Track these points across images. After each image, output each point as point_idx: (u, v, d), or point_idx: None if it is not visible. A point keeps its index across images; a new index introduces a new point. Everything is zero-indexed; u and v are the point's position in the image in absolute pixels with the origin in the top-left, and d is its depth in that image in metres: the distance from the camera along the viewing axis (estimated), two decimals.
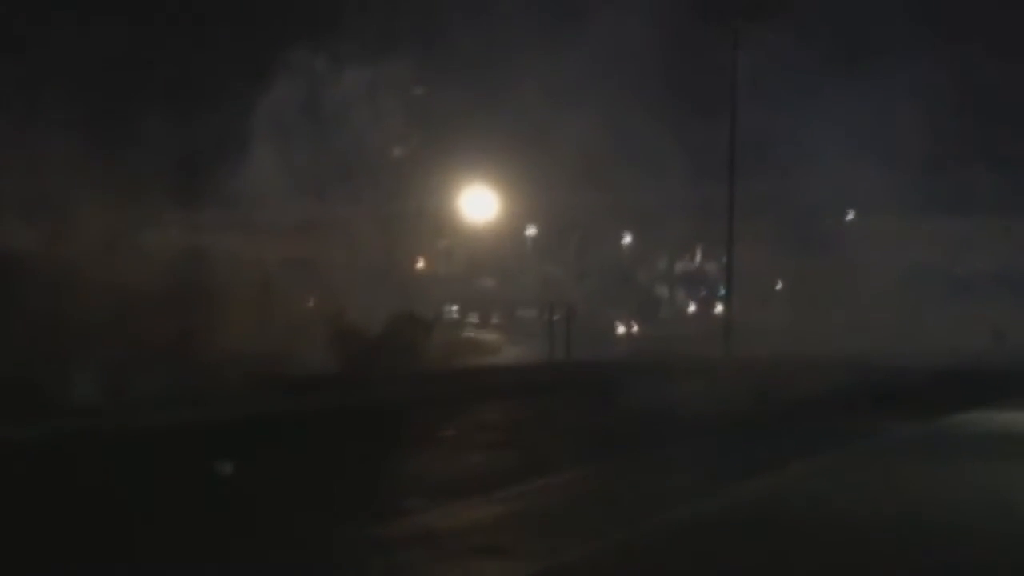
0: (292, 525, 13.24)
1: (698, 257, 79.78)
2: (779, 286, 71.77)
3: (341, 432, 22.49)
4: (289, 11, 40.04)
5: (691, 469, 17.67)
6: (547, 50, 40.73)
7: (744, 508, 14.35)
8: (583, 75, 41.15)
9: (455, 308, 56.38)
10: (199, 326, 28.83)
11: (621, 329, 62.14)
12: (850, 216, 68.01)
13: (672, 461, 18.73)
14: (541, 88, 40.76)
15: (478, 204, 48.71)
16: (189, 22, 38.64)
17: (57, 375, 23.77)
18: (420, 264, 50.58)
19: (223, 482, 16.03)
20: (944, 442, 20.84)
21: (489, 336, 49.71)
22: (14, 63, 33.32)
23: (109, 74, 35.24)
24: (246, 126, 39.10)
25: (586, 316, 48.92)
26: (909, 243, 64.97)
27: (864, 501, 14.80)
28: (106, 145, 32.60)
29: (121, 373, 24.38)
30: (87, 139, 31.47)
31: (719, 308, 55.48)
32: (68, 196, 30.28)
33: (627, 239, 74.02)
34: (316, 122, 38.51)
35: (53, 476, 16.71)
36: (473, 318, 60.13)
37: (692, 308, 76.29)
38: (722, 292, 57.21)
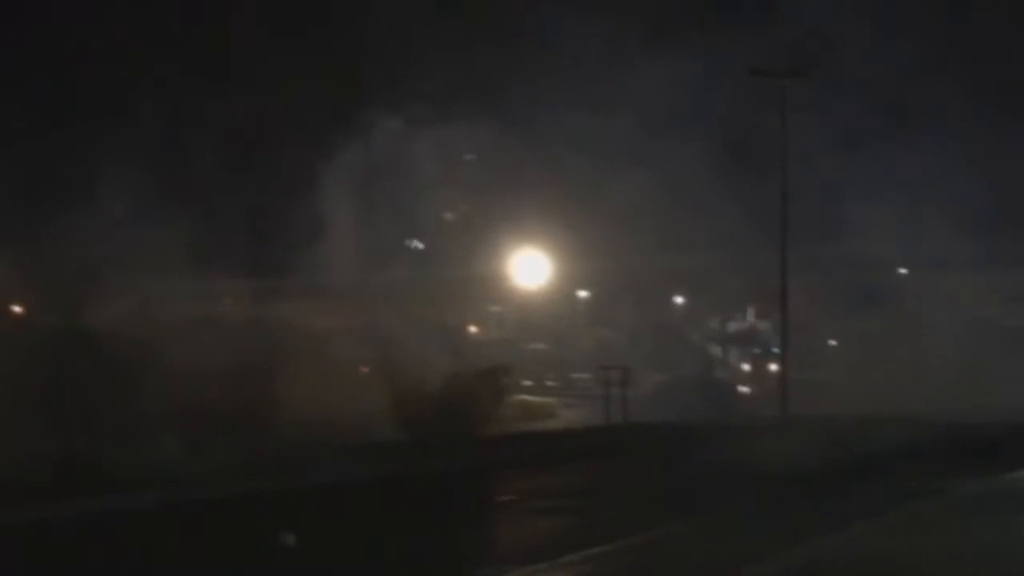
0: None
1: (750, 316, 79.60)
2: (832, 343, 71.53)
3: (409, 500, 22.55)
4: (342, 79, 40.34)
5: (753, 532, 17.63)
6: (597, 114, 40.89)
7: (808, 571, 14.31)
8: (634, 139, 41.28)
9: None
10: (266, 396, 29.02)
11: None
12: (903, 271, 67.74)
13: (733, 524, 18.69)
14: (592, 152, 40.93)
15: (530, 268, 48.78)
16: (240, 86, 38.87)
17: (135, 449, 24.01)
18: (472, 329, 50.67)
19: (297, 551, 16.13)
20: (1010, 498, 20.67)
21: (544, 399, 49.66)
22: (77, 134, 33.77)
23: (157, 143, 35.55)
24: (300, 195, 39.36)
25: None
26: (963, 298, 64.60)
27: (930, 560, 14.72)
28: (164, 218, 32.93)
29: (196, 444, 24.61)
30: (149, 211, 31.84)
31: (773, 367, 55.16)
32: (131, 269, 30.63)
33: (679, 300, 74.03)
34: (369, 189, 38.75)
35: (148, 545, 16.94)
36: (526, 382, 60.05)
37: (746, 367, 76.00)
38: (775, 350, 57.01)
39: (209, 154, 35.88)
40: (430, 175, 40.20)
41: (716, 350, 79.17)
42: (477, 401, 37.04)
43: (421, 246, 42.56)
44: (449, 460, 28.73)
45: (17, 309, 35.44)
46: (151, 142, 34.38)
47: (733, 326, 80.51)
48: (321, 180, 39.24)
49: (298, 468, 25.42)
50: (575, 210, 43.27)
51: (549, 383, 56.98)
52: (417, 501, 22.30)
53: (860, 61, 45.26)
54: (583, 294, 64.48)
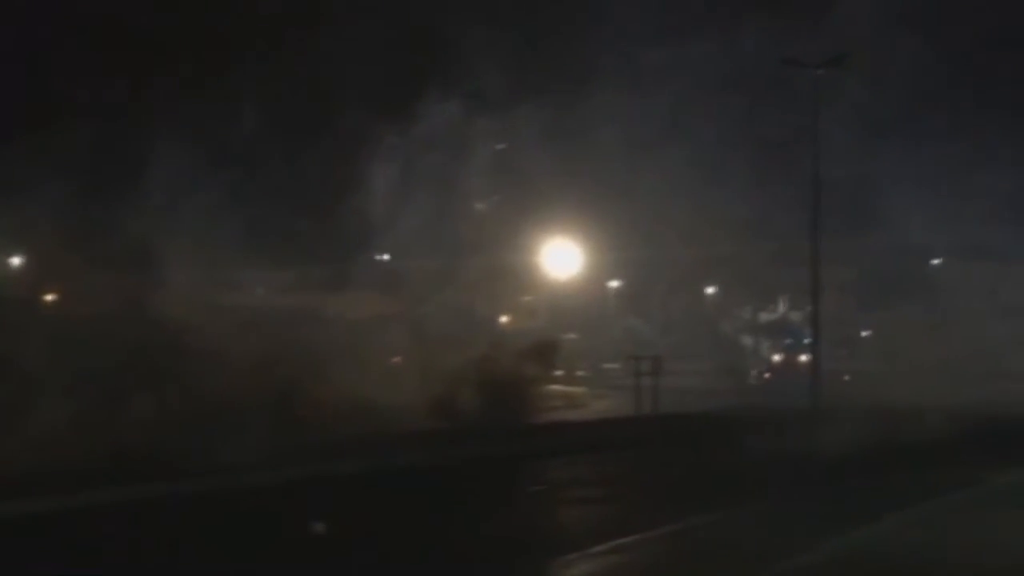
0: None
1: (782, 307, 79.49)
2: (865, 334, 71.41)
3: (443, 489, 22.61)
4: (377, 67, 40.37)
5: (787, 522, 17.64)
6: (631, 103, 40.83)
7: (841, 562, 14.31)
8: (667, 128, 41.19)
9: None
10: (304, 385, 29.14)
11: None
12: (936, 262, 67.50)
13: (767, 515, 18.70)
14: (625, 142, 40.85)
15: (561, 258, 48.75)
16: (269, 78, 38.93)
17: (183, 438, 24.16)
18: (504, 319, 50.68)
19: (335, 538, 16.24)
20: None
21: (575, 389, 49.63)
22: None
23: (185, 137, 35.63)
24: (330, 183, 39.44)
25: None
26: (999, 287, 64.39)
27: (965, 553, 14.70)
28: (192, 208, 33.05)
29: (239, 434, 24.73)
30: (186, 198, 32.00)
31: (804, 357, 55.03)
32: (173, 256, 30.81)
33: (711, 290, 73.95)
34: (401, 177, 38.78)
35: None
36: (557, 372, 60.04)
37: (777, 358, 75.86)
38: (807, 341, 56.87)
39: (243, 143, 35.99)
40: (464, 164, 40.22)
41: (748, 340, 79.10)
42: (523, 383, 37.26)
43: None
44: (482, 449, 28.76)
45: (52, 297, 35.59)
46: (188, 130, 34.47)
47: (765, 316, 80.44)
48: (354, 170, 39.30)
49: (333, 456, 25.52)
50: (607, 200, 43.22)
51: (580, 373, 56.87)
52: (452, 490, 22.35)
53: (895, 50, 45.03)
54: (614, 284, 64.42)
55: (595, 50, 41.76)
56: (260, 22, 38.19)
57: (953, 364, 57.86)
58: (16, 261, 36.23)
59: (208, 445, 23.23)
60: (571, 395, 47.73)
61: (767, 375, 69.25)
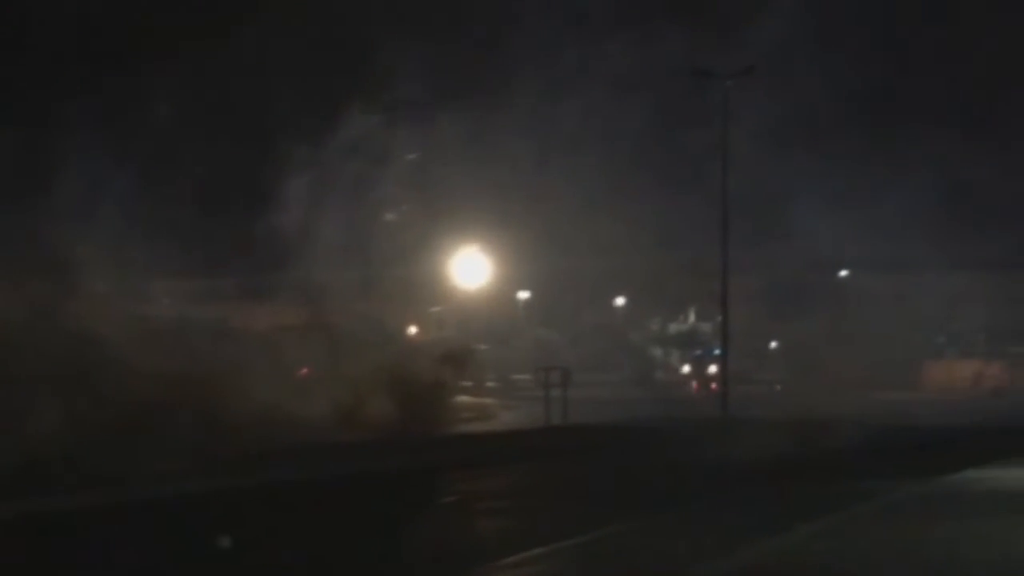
0: None
1: (691, 317, 79.90)
2: (773, 345, 71.94)
3: (358, 500, 22.42)
4: (289, 74, 40.13)
5: (695, 533, 17.57)
6: (543, 114, 40.87)
7: (749, 572, 14.25)
8: (579, 140, 41.26)
9: None
10: (209, 397, 28.84)
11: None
12: (844, 273, 68.13)
13: (676, 525, 18.65)
14: (536, 152, 40.87)
15: (471, 269, 48.69)
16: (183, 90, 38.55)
17: (79, 449, 23.85)
18: (412, 329, 50.51)
19: (236, 552, 15.97)
20: (948, 502, 20.70)
21: (485, 400, 49.56)
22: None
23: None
24: (238, 192, 39.12)
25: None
26: (904, 299, 65.05)
27: (874, 563, 14.69)
28: (100, 215, 32.65)
29: (140, 445, 24.46)
30: (83, 208, 31.61)
31: (713, 368, 55.40)
32: (70, 265, 30.41)
33: (621, 301, 74.19)
34: (312, 187, 38.53)
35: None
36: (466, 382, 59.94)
37: (686, 369, 76.28)
38: (717, 352, 57.19)
39: (150, 152, 35.66)
40: (374, 174, 40.04)
41: (657, 351, 79.45)
42: (433, 394, 37.16)
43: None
44: (392, 461, 28.58)
45: None
46: (96, 136, 34.09)
47: (674, 327, 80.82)
48: (264, 180, 39.01)
49: (236, 469, 25.25)
50: (517, 211, 43.23)
51: (489, 384, 56.83)
52: (361, 503, 22.14)
53: (805, 61, 45.44)
54: (524, 295, 64.51)
55: (507, 62, 41.79)
56: (175, 30, 37.82)
57: (860, 375, 58.39)
58: None
59: (108, 457, 22.92)
60: (481, 406, 47.65)
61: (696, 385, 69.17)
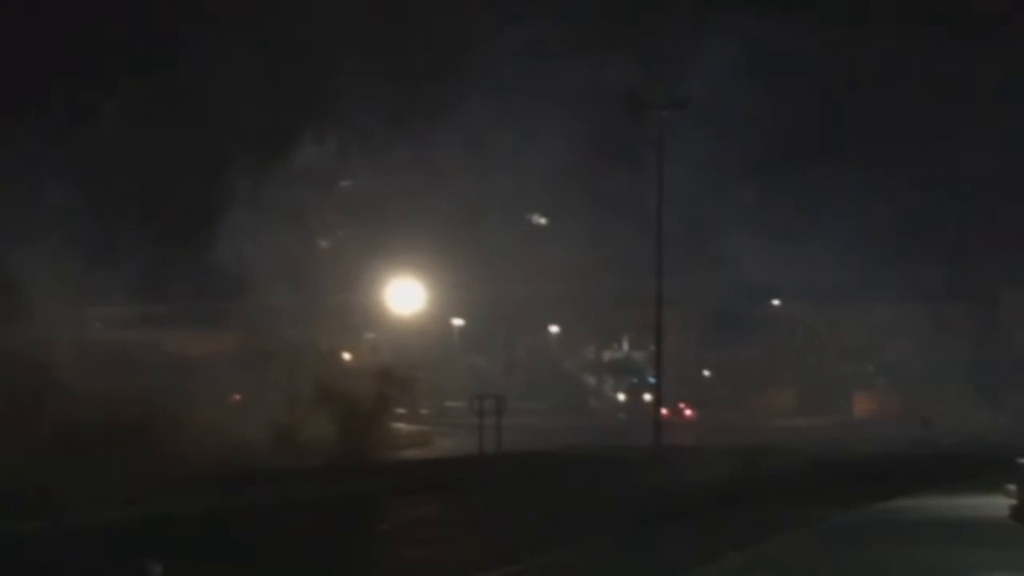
0: None
1: (625, 346, 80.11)
2: (707, 373, 72.24)
3: (291, 527, 22.34)
4: (222, 106, 40.00)
5: (629, 562, 17.64)
6: (474, 147, 40.95)
7: None
8: (509, 170, 41.36)
9: None
10: (139, 422, 28.63)
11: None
12: (776, 303, 68.53)
13: (607, 555, 18.70)
14: (468, 182, 40.95)
15: (405, 296, 48.61)
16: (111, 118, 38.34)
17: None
18: (346, 355, 50.35)
19: None
20: (878, 528, 20.85)
21: (418, 427, 49.48)
22: None
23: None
24: (174, 219, 38.97)
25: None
26: (837, 329, 65.59)
27: None
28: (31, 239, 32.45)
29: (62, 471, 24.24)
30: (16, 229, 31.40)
31: (648, 396, 55.57)
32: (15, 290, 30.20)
33: (555, 329, 74.29)
34: (244, 214, 38.40)
35: None
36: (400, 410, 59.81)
37: (622, 397, 76.41)
38: (651, 380, 57.40)
39: (86, 178, 35.46)
40: (307, 202, 39.95)
41: (591, 379, 79.56)
42: (366, 420, 37.06)
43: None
44: (326, 487, 28.46)
45: None
46: (34, 162, 33.89)
47: (608, 355, 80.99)
48: (200, 207, 38.86)
49: (158, 496, 25.05)
50: (453, 239, 43.25)
51: (424, 411, 56.72)
52: (293, 530, 22.06)
53: (742, 98, 45.86)
54: (458, 322, 64.48)
55: (444, 93, 41.88)
56: (118, 54, 37.71)
57: (792, 402, 58.75)
58: None
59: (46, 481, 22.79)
60: (416, 433, 47.56)
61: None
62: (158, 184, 39.77)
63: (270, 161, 39.14)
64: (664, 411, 67.63)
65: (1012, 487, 21.27)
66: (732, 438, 41.11)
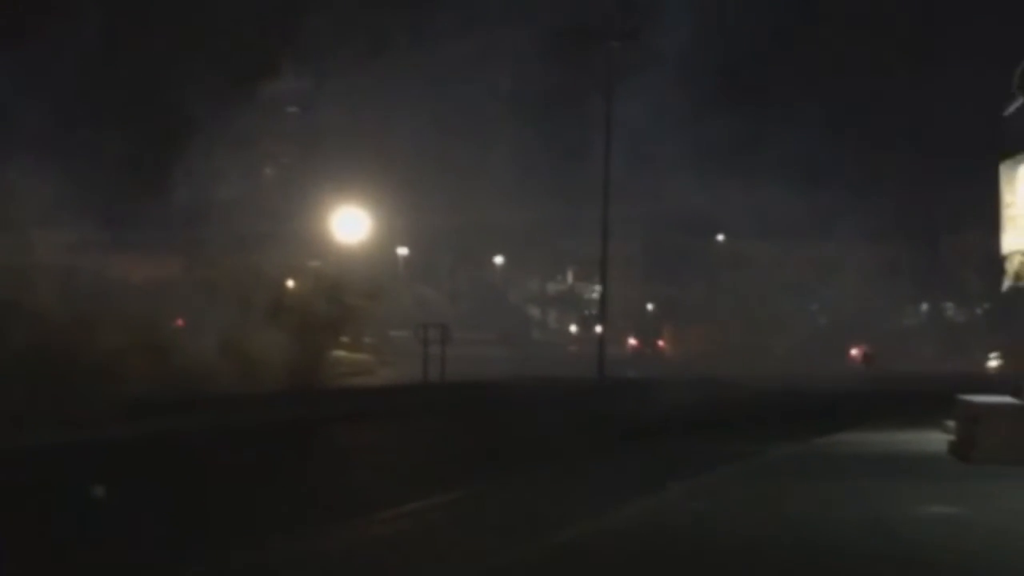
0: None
1: (570, 278, 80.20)
2: (650, 307, 72.40)
3: (233, 453, 22.33)
4: (168, 28, 39.61)
5: (574, 491, 17.69)
6: (422, 74, 40.77)
7: (624, 532, 14.28)
8: (460, 97, 41.22)
9: None
10: (80, 346, 28.47)
11: None
12: (720, 238, 68.72)
13: (549, 482, 18.75)
14: (414, 110, 40.79)
15: (350, 224, 48.40)
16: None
17: None
18: (291, 283, 50.17)
19: (107, 505, 15.87)
20: (819, 462, 20.97)
21: (362, 356, 49.42)
22: None
23: None
24: (119, 144, 38.61)
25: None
26: (778, 265, 65.82)
27: (746, 522, 14.83)
28: None
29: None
30: None
31: (599, 328, 55.65)
32: None
33: (499, 260, 74.22)
34: (189, 140, 38.14)
35: None
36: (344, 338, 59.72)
37: (574, 329, 76.53)
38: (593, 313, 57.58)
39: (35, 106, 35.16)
40: (254, 127, 39.71)
41: (535, 311, 79.67)
42: (310, 348, 37.04)
43: None
44: (268, 413, 28.47)
45: None
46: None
47: (552, 287, 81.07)
48: (146, 133, 38.56)
49: (104, 421, 24.97)
50: (399, 168, 43.12)
51: (367, 340, 56.66)
52: (235, 456, 22.06)
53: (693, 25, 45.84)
54: (403, 251, 64.29)
55: (392, 20, 41.61)
56: None
57: (731, 339, 58.99)
58: None
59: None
60: (359, 361, 47.52)
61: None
62: (106, 111, 39.42)
63: (217, 88, 38.82)
64: (633, 342, 67.86)
65: (951, 423, 21.43)
66: (675, 371, 41.31)
